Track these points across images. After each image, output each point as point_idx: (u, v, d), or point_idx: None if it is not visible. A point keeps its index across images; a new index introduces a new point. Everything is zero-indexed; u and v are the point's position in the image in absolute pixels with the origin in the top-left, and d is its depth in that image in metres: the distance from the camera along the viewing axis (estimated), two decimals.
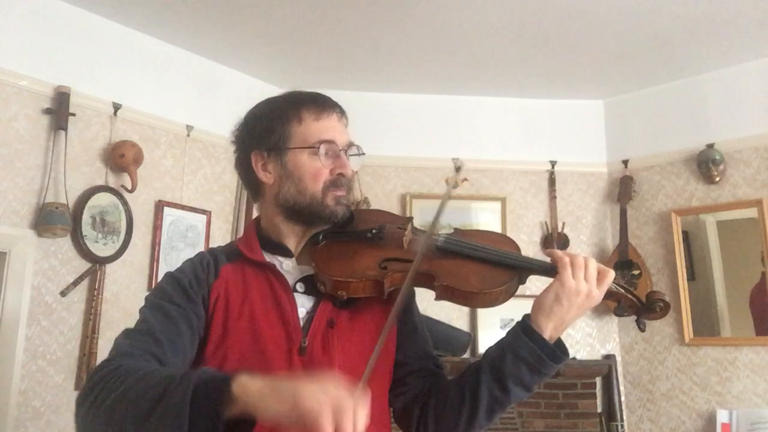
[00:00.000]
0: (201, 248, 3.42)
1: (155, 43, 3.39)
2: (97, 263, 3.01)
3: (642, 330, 1.27)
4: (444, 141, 3.95)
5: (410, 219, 1.37)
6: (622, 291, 1.25)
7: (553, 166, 4.02)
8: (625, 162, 3.96)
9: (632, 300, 1.25)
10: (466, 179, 4.43)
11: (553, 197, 3.98)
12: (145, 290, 3.16)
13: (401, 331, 1.34)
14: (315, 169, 1.27)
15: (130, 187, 3.11)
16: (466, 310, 3.76)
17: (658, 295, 1.23)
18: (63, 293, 2.91)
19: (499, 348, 1.23)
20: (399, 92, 4.02)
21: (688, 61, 3.57)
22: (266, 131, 1.30)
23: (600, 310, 3.82)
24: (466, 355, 3.64)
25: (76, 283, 2.94)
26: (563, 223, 3.95)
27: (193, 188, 3.50)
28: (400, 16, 3.13)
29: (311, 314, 1.24)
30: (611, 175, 4.04)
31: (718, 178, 3.57)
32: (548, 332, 1.19)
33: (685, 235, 3.70)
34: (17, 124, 2.84)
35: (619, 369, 3.80)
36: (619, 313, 1.27)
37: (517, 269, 1.23)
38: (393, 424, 1.37)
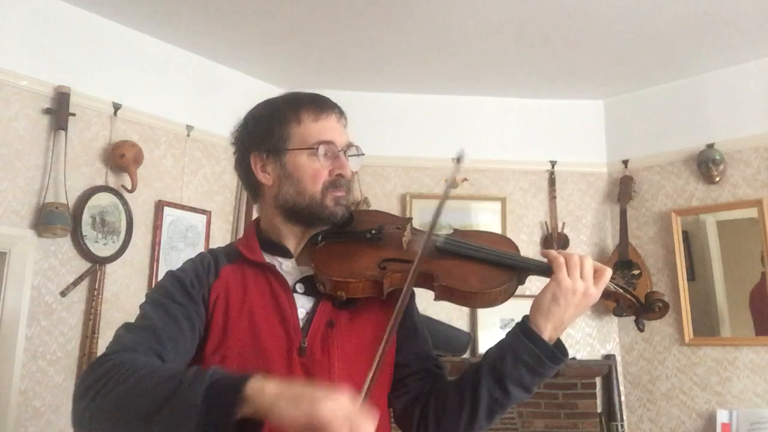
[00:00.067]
0: (201, 248, 3.42)
1: (155, 43, 3.40)
2: (97, 263, 3.01)
3: (641, 330, 1.27)
4: (444, 141, 3.95)
5: (409, 219, 1.37)
6: (621, 291, 1.25)
7: (553, 166, 4.02)
8: (625, 162, 3.96)
9: (631, 300, 1.25)
10: (466, 179, 4.41)
11: (553, 197, 3.98)
12: (145, 290, 3.16)
13: (401, 332, 1.34)
14: (314, 170, 1.27)
15: (130, 187, 3.11)
16: (466, 310, 3.76)
17: (656, 295, 1.24)
18: (63, 293, 2.91)
19: (499, 349, 1.23)
20: (399, 92, 4.02)
21: (688, 61, 3.57)
22: (265, 132, 1.30)
23: (600, 311, 3.82)
24: (466, 355, 3.64)
25: (76, 283, 2.94)
26: (563, 223, 3.95)
27: (193, 188, 3.50)
28: (400, 16, 3.13)
29: (311, 315, 1.24)
30: (611, 175, 4.04)
31: (718, 178, 3.57)
32: (547, 333, 1.19)
33: (685, 235, 3.70)
34: (17, 124, 2.84)
35: (619, 369, 3.80)
36: (618, 313, 1.27)
37: (516, 269, 1.23)
38: (393, 425, 1.37)
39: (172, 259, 3.26)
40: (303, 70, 3.73)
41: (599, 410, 3.66)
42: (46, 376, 2.83)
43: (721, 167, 3.56)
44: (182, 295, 1.21)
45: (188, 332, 1.18)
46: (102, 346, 2.93)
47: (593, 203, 4.03)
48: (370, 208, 3.51)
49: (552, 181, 4.00)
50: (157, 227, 3.28)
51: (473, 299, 1.21)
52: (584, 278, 1.18)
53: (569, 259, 1.18)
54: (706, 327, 3.58)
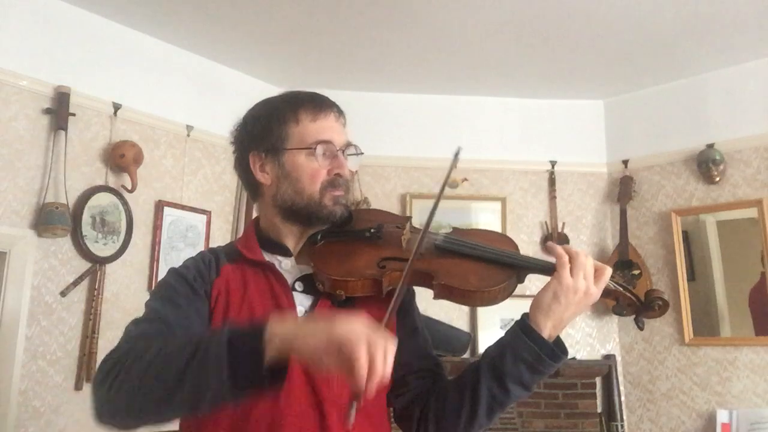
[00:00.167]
0: (201, 248, 3.42)
1: (155, 43, 3.40)
2: (97, 263, 3.01)
3: (641, 328, 1.27)
4: (444, 141, 3.94)
5: (409, 218, 1.37)
6: (621, 289, 1.24)
7: (553, 166, 4.02)
8: (625, 162, 3.96)
9: (631, 298, 1.24)
10: (465, 179, 4.40)
11: (553, 197, 3.98)
12: (145, 290, 3.16)
13: (402, 331, 1.34)
14: (312, 169, 1.27)
15: (130, 187, 3.11)
16: (466, 309, 3.76)
17: (656, 293, 1.23)
18: (63, 293, 2.91)
19: (498, 347, 1.23)
20: (399, 92, 4.02)
21: (689, 61, 3.57)
22: (264, 132, 1.30)
23: (600, 310, 3.82)
24: (466, 355, 3.64)
25: (76, 283, 2.94)
26: (563, 223, 3.95)
27: (193, 188, 3.50)
28: (400, 16, 3.13)
29: (310, 313, 1.25)
30: (611, 175, 4.04)
31: (718, 178, 3.57)
32: (547, 331, 1.19)
33: (685, 235, 3.70)
34: (17, 124, 2.85)
35: (619, 369, 3.80)
36: (617, 311, 1.27)
37: (516, 268, 1.23)
38: (393, 424, 1.38)
39: (172, 259, 3.26)
40: (303, 70, 3.74)
41: (599, 410, 3.66)
42: (46, 376, 2.83)
43: (721, 167, 3.56)
44: (187, 289, 1.22)
45: (197, 322, 1.19)
46: (102, 346, 2.93)
47: (593, 203, 4.03)
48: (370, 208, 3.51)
49: (552, 181, 4.00)
50: (157, 227, 3.28)
51: (472, 298, 1.21)
52: (586, 278, 1.17)
53: (574, 259, 1.18)
54: (706, 327, 3.57)
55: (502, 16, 3.12)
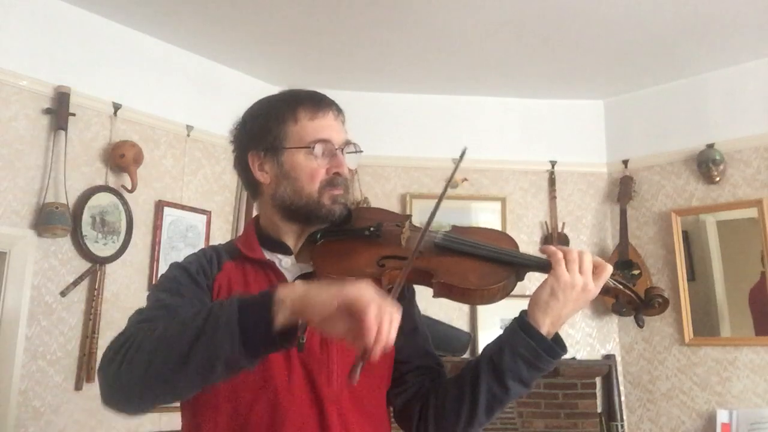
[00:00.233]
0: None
1: (155, 43, 3.40)
2: (97, 263, 3.01)
3: (641, 326, 1.27)
4: (444, 141, 3.95)
5: (408, 216, 1.37)
6: (621, 287, 1.24)
7: (553, 166, 4.02)
8: (625, 162, 3.96)
9: (630, 296, 1.24)
10: (465, 179, 4.40)
11: (553, 197, 3.98)
12: (145, 290, 3.16)
13: (402, 329, 1.33)
14: (311, 169, 1.27)
15: (130, 187, 3.11)
16: (465, 309, 3.77)
17: (656, 290, 1.23)
18: (63, 293, 2.91)
19: (497, 345, 1.23)
20: (399, 92, 4.02)
21: (689, 61, 3.58)
22: (263, 131, 1.30)
23: (600, 310, 3.81)
24: (466, 355, 3.64)
25: (76, 283, 2.94)
26: (563, 223, 3.95)
27: (193, 188, 3.50)
28: (400, 16, 3.13)
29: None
30: (611, 175, 4.04)
31: (718, 178, 3.57)
32: (545, 328, 1.19)
33: (685, 235, 3.70)
34: (17, 124, 2.85)
35: (619, 369, 3.80)
36: (617, 309, 1.27)
37: (515, 266, 1.23)
38: (393, 423, 1.37)
39: (172, 259, 3.19)
40: (303, 70, 3.74)
41: (599, 410, 3.65)
42: (46, 376, 2.83)
43: (721, 167, 3.56)
44: (190, 282, 1.22)
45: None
46: (102, 346, 2.93)
47: (593, 203, 4.03)
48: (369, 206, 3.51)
49: (552, 181, 4.00)
50: (157, 227, 3.28)
51: (472, 296, 1.21)
52: (583, 273, 1.17)
53: (568, 254, 1.18)
54: (706, 327, 3.57)
55: (502, 16, 3.12)
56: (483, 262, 1.23)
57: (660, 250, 3.77)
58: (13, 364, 2.71)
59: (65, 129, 2.93)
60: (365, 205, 3.69)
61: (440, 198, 1.14)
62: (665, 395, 3.64)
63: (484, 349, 1.25)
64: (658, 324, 3.66)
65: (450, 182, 1.20)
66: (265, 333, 0.94)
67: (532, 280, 1.27)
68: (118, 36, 3.25)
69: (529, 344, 1.18)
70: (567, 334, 3.44)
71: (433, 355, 1.39)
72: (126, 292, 3.13)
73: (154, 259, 3.25)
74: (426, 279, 1.22)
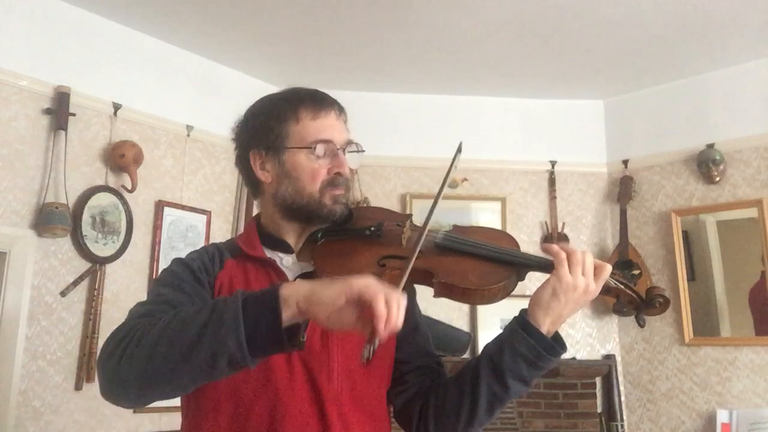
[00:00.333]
0: None
1: (155, 43, 3.40)
2: (97, 263, 3.01)
3: (641, 326, 1.27)
4: (444, 141, 3.93)
5: (409, 216, 1.36)
6: (621, 287, 1.24)
7: (553, 166, 4.02)
8: (625, 162, 3.96)
9: (631, 295, 1.24)
10: (465, 179, 4.39)
11: (553, 197, 3.98)
12: (145, 290, 3.16)
13: (402, 329, 1.33)
14: (312, 168, 1.27)
15: (130, 187, 3.11)
16: (465, 309, 3.76)
17: (657, 290, 1.23)
18: (63, 293, 2.91)
19: (497, 344, 1.23)
20: (399, 92, 4.02)
21: (689, 61, 3.58)
22: (264, 130, 1.30)
23: (600, 310, 3.81)
24: (466, 355, 3.64)
25: (76, 283, 2.94)
26: (563, 223, 3.95)
27: (193, 188, 3.50)
28: (400, 16, 3.13)
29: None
30: (611, 175, 4.04)
31: (718, 178, 3.57)
32: (546, 327, 1.19)
33: (685, 235, 3.70)
34: (17, 124, 2.84)
35: (619, 369, 3.80)
36: (618, 309, 1.27)
37: (516, 266, 1.23)
38: (393, 423, 1.37)
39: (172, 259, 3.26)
40: (303, 70, 3.73)
41: (599, 410, 3.65)
42: (46, 376, 2.83)
43: (721, 167, 3.56)
44: (191, 278, 1.22)
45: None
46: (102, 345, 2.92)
47: (593, 203, 4.03)
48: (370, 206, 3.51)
49: (552, 181, 4.01)
50: (157, 227, 3.28)
51: (472, 296, 1.21)
52: (585, 275, 1.17)
53: (572, 256, 1.18)
54: (706, 327, 3.57)
55: (502, 16, 3.12)
56: (484, 262, 1.23)
57: (660, 250, 3.77)
58: (13, 364, 2.71)
59: (65, 129, 2.92)
60: (365, 205, 3.69)
61: (439, 192, 1.15)
62: (665, 395, 3.64)
63: (484, 349, 1.25)
64: (658, 324, 3.66)
65: (448, 175, 1.20)
66: (270, 332, 0.94)
67: (533, 280, 1.27)
68: (118, 36, 3.25)
69: (529, 343, 1.18)
70: (567, 334, 3.43)
71: (434, 355, 1.39)
72: (126, 292, 3.13)
73: (154, 259, 3.25)
74: (427, 279, 1.22)
